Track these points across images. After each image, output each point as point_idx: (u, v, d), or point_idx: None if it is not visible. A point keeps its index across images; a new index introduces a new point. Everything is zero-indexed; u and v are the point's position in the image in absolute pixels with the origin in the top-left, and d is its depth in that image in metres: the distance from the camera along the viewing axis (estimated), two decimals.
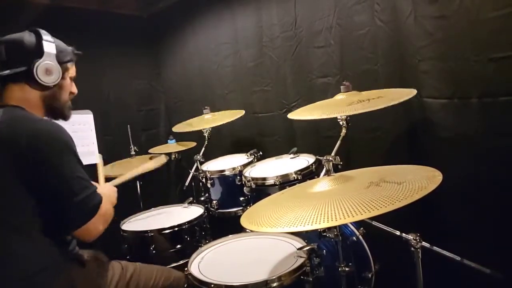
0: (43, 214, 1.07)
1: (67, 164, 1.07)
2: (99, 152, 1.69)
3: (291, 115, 1.57)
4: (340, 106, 1.48)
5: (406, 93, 1.43)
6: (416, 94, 1.67)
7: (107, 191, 1.28)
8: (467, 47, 1.44)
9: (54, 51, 1.17)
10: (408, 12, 1.65)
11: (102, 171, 1.51)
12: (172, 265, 1.66)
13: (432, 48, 1.57)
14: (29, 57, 1.13)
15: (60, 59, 1.19)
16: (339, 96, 1.57)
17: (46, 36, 1.17)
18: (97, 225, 1.12)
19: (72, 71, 1.26)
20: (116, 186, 1.43)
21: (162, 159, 2.05)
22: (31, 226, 1.06)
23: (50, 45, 1.17)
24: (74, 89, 1.29)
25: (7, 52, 1.13)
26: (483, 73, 1.40)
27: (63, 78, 1.21)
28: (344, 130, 1.56)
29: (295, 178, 1.76)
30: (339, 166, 1.37)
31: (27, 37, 1.15)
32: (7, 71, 1.12)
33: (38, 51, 1.13)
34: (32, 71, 1.12)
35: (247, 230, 1.31)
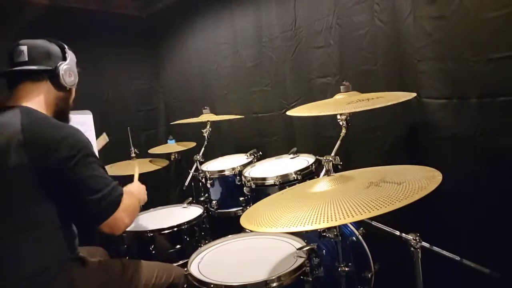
0: (61, 214, 1.11)
1: (89, 166, 1.12)
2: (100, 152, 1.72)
3: (290, 112, 1.56)
4: (339, 104, 1.48)
5: (405, 95, 1.43)
6: (416, 95, 1.68)
7: (135, 188, 1.42)
8: (466, 47, 1.44)
9: (75, 59, 1.32)
10: (408, 12, 1.65)
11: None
12: None
13: (431, 48, 1.57)
14: (55, 59, 1.25)
15: (76, 66, 1.32)
16: (338, 96, 1.58)
17: (65, 45, 1.31)
18: (123, 218, 1.17)
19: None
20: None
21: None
22: (39, 226, 1.08)
23: (71, 53, 1.31)
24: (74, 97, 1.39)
25: (29, 53, 1.21)
26: (482, 73, 1.41)
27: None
28: (344, 130, 1.56)
29: (295, 178, 1.76)
30: (339, 166, 1.37)
31: (49, 43, 1.27)
32: (34, 67, 1.20)
33: (63, 56, 1.27)
34: (57, 71, 1.23)
35: (247, 230, 1.31)
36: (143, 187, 1.48)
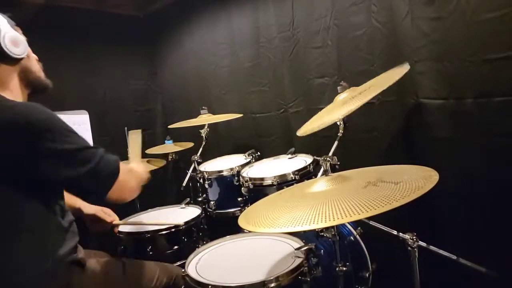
0: (47, 213, 1.05)
1: (57, 142, 0.99)
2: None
3: (300, 133, 1.56)
4: (341, 106, 1.47)
5: (398, 73, 1.40)
6: (413, 95, 1.69)
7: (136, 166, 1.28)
8: (462, 48, 1.45)
9: (7, 22, 1.10)
10: (405, 13, 1.66)
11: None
12: None
13: (428, 49, 1.58)
14: None
15: (13, 27, 1.12)
16: (339, 97, 1.57)
17: None
18: (128, 181, 1.11)
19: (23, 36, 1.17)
20: None
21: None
22: (32, 226, 1.04)
23: (2, 19, 1.10)
24: (34, 54, 1.21)
25: None
26: (479, 74, 1.42)
27: None
28: (341, 131, 1.56)
29: (293, 178, 1.76)
30: (337, 166, 1.38)
31: None
32: None
33: None
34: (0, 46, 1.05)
35: (245, 231, 1.31)
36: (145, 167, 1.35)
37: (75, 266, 1.16)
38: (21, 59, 1.12)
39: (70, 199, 1.36)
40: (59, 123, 1.03)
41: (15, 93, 1.11)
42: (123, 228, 1.86)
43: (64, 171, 1.01)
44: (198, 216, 1.89)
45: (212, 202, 2.18)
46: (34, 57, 1.20)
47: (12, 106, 1.02)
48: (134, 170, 1.24)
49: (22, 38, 1.11)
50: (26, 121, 0.97)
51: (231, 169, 2.11)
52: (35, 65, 1.19)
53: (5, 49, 1.06)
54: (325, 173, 1.18)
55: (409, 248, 1.06)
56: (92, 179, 1.05)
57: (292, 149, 2.11)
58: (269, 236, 1.45)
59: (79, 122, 2.21)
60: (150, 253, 1.71)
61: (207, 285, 1.15)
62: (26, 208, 1.03)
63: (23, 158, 0.98)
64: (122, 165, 1.12)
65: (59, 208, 1.12)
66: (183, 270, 1.27)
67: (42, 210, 1.06)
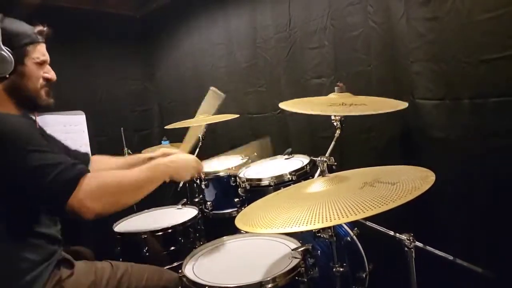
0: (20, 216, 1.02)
1: (16, 157, 0.96)
2: None
3: (282, 105, 1.53)
4: (332, 104, 1.47)
5: (396, 105, 1.41)
6: (409, 95, 1.69)
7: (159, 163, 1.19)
8: (458, 48, 1.46)
9: None
10: (401, 13, 1.66)
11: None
12: (166, 267, 1.64)
13: (424, 50, 1.59)
14: None
15: (13, 44, 1.06)
16: (332, 95, 1.57)
17: None
18: (83, 200, 0.98)
19: (37, 54, 1.13)
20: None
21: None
22: (14, 229, 1.03)
23: None
24: (49, 75, 1.17)
25: None
26: (475, 74, 1.42)
27: (22, 64, 1.08)
28: (338, 131, 1.56)
29: (290, 179, 1.76)
30: (334, 167, 1.37)
31: None
32: None
33: None
34: None
35: (242, 231, 1.31)
36: (186, 158, 1.28)
37: (63, 266, 1.15)
38: (3, 77, 1.06)
39: None
40: (21, 136, 1.00)
41: (3, 106, 1.08)
42: (120, 229, 1.85)
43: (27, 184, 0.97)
44: (195, 217, 1.89)
45: (208, 203, 2.17)
46: (37, 75, 1.14)
47: None
48: (106, 187, 1.06)
49: (5, 56, 1.05)
50: None
51: (228, 169, 2.11)
52: (31, 84, 1.12)
53: None
54: (322, 173, 1.18)
55: (406, 248, 1.07)
56: (46, 192, 0.98)
57: (289, 150, 2.10)
58: (266, 236, 1.45)
59: (75, 123, 2.20)
60: (147, 254, 1.70)
61: (204, 285, 1.15)
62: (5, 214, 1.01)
63: None
64: (86, 182, 1.00)
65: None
66: (179, 271, 1.27)
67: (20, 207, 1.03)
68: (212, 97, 1.51)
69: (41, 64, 1.15)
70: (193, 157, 1.35)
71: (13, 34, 1.08)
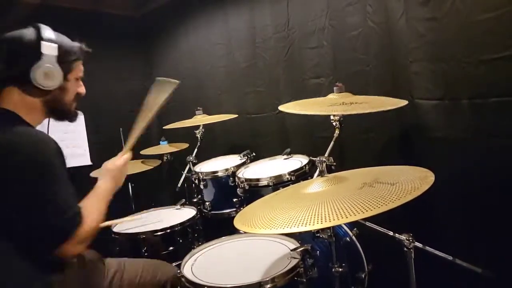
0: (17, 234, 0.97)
1: (37, 185, 0.94)
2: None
3: (282, 107, 1.53)
4: (331, 104, 1.47)
5: (396, 103, 1.42)
6: (408, 95, 1.69)
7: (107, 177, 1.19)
8: (458, 48, 1.46)
9: (55, 53, 1.06)
10: (400, 13, 1.66)
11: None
12: None
13: (424, 50, 1.59)
14: (27, 59, 1.02)
15: (63, 59, 1.08)
16: (330, 96, 1.57)
17: (47, 34, 1.05)
18: (71, 249, 0.98)
19: (77, 71, 1.17)
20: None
21: None
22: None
23: (50, 45, 1.05)
24: (82, 90, 1.21)
25: (8, 51, 1.04)
26: (474, 74, 1.42)
27: (66, 79, 1.11)
28: (337, 131, 1.56)
29: (289, 179, 1.76)
30: (333, 167, 1.37)
31: (27, 35, 1.04)
32: (3, 75, 1.04)
33: (36, 53, 1.02)
34: (28, 75, 1.01)
35: (241, 232, 1.30)
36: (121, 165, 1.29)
37: (55, 268, 1.12)
38: (48, 91, 1.08)
39: None
40: (48, 167, 0.98)
41: (32, 115, 1.09)
42: (119, 230, 1.85)
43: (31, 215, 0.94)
44: (193, 217, 1.89)
45: (207, 203, 2.17)
46: (74, 90, 1.17)
47: (5, 131, 0.98)
48: (89, 234, 1.02)
49: (56, 72, 1.06)
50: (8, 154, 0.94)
51: (227, 169, 2.10)
52: (68, 98, 1.15)
53: (32, 81, 1.02)
54: (321, 173, 1.18)
55: (405, 249, 1.07)
56: (45, 235, 0.95)
57: (288, 150, 2.10)
58: (265, 237, 1.45)
59: (74, 123, 2.19)
60: (145, 254, 1.70)
61: (203, 286, 1.15)
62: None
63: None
64: (78, 230, 0.97)
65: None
66: (178, 271, 1.26)
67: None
68: (160, 87, 1.48)
69: (78, 79, 1.19)
70: (116, 162, 1.32)
71: (66, 51, 1.10)
